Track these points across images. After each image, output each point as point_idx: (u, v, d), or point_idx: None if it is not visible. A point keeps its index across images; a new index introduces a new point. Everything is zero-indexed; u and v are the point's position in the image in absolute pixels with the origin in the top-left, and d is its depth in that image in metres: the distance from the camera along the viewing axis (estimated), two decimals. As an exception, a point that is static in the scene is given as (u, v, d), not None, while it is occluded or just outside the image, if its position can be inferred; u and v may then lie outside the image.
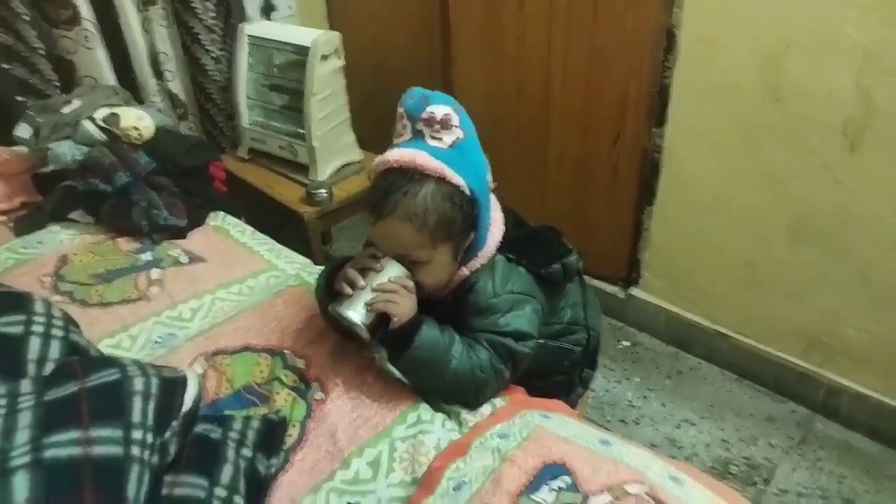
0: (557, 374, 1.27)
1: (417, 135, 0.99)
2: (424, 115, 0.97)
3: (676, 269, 1.89)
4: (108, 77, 1.89)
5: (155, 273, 1.38)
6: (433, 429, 1.00)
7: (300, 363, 1.13)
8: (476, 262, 1.05)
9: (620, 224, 1.92)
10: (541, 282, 1.11)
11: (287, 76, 1.93)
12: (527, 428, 0.95)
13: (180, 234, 1.50)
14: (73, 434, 0.69)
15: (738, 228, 1.70)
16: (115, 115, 1.49)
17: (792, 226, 1.60)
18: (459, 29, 2.02)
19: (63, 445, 0.68)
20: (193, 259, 1.44)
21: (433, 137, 0.97)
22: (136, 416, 0.74)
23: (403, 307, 0.99)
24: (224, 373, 1.11)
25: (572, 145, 1.92)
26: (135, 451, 0.72)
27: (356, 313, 0.99)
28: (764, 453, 1.61)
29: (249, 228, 1.58)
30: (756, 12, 1.45)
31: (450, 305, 1.07)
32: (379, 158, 0.99)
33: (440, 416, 1.03)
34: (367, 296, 0.99)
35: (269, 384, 1.09)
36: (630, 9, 1.64)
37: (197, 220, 1.55)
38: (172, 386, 0.82)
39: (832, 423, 1.68)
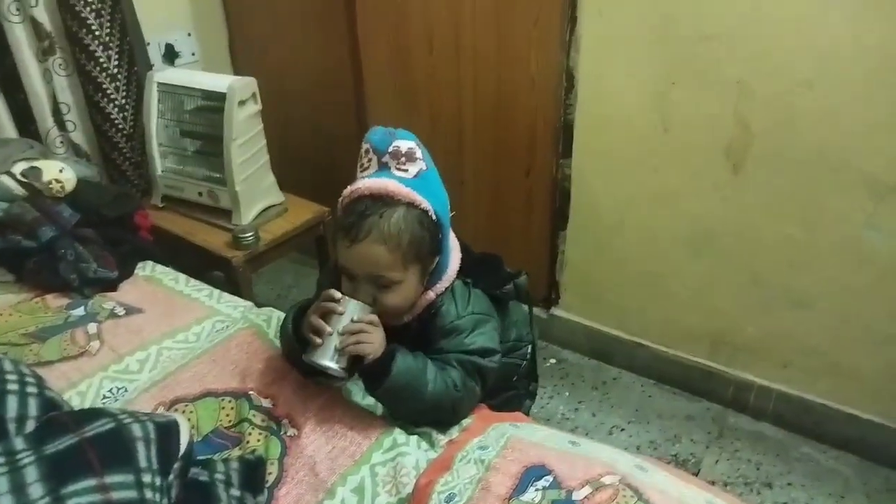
0: (508, 390, 1.35)
1: (383, 167, 1.05)
2: (391, 149, 1.04)
3: (592, 287, 2.02)
4: (9, 129, 1.81)
5: (92, 327, 1.32)
6: (409, 450, 1.03)
7: (266, 402, 1.13)
8: (440, 286, 1.11)
9: (538, 249, 2.04)
10: (493, 302, 1.19)
11: (199, 121, 1.92)
12: (502, 438, 1.01)
13: (111, 286, 1.45)
14: (91, 482, 0.67)
15: (642, 245, 1.86)
16: (35, 169, 1.43)
17: (688, 239, 1.77)
18: (371, 72, 2.10)
19: (83, 494, 0.67)
20: (130, 311, 1.39)
21: (399, 168, 1.04)
22: (143, 461, 0.74)
23: (373, 343, 1.03)
24: (188, 419, 1.09)
25: (487, 178, 2.03)
26: (148, 494, 0.71)
27: (331, 361, 1.02)
28: (688, 449, 1.76)
29: (183, 276, 1.55)
30: (643, 56, 1.63)
31: (415, 331, 1.12)
32: (350, 187, 1.05)
33: (414, 437, 1.07)
34: (335, 340, 1.02)
35: (239, 426, 1.09)
36: (532, 52, 1.78)
37: (126, 271, 1.51)
38: (167, 430, 0.81)
39: (742, 416, 1.84)
